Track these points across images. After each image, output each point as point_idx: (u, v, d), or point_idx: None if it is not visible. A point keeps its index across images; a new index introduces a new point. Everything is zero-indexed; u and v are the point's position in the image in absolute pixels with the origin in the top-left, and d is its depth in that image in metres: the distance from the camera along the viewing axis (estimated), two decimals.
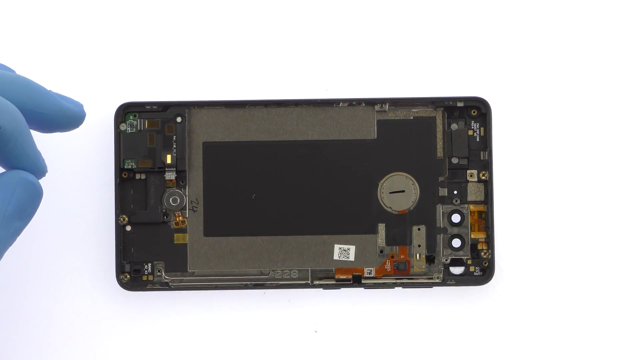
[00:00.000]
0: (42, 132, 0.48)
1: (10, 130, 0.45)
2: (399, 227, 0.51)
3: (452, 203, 0.51)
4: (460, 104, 0.51)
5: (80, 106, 0.49)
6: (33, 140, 0.46)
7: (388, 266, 0.52)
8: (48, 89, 0.47)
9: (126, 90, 0.53)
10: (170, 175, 0.51)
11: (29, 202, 0.44)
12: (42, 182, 0.45)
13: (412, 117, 0.51)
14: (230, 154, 0.51)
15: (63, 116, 0.48)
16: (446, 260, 0.51)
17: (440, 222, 0.51)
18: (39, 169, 0.46)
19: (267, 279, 0.51)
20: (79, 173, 0.52)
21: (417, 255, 0.52)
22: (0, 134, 0.45)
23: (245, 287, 0.51)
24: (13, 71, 0.47)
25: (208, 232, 0.51)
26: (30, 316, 0.52)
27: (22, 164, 0.46)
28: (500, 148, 0.53)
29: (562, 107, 0.53)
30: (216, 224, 0.51)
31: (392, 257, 0.52)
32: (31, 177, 0.45)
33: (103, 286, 0.52)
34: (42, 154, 0.45)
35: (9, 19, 0.53)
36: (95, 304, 0.52)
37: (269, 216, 0.51)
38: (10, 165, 0.46)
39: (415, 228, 0.51)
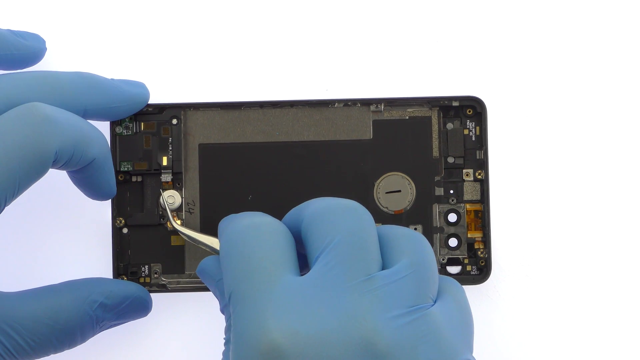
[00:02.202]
0: (108, 121, 0.48)
1: (102, 160, 0.46)
2: None
3: (448, 202, 0.51)
4: (455, 104, 0.51)
5: (143, 86, 0.49)
6: (112, 164, 0.47)
7: None
8: (109, 77, 0.48)
9: None
10: (167, 178, 0.51)
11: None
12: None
13: (407, 117, 0.51)
14: (226, 156, 0.51)
15: (129, 104, 0.48)
16: (443, 259, 0.51)
17: (437, 221, 0.51)
18: (113, 192, 0.48)
19: None
20: None
21: None
22: (94, 165, 0.46)
23: None
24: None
25: (205, 233, 0.51)
26: None
27: (102, 189, 0.47)
28: (496, 147, 0.53)
29: (557, 105, 0.53)
30: (213, 225, 0.51)
31: None
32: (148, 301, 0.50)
33: None
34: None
35: (9, 18, 0.53)
36: None
37: None
38: (91, 190, 0.47)
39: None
